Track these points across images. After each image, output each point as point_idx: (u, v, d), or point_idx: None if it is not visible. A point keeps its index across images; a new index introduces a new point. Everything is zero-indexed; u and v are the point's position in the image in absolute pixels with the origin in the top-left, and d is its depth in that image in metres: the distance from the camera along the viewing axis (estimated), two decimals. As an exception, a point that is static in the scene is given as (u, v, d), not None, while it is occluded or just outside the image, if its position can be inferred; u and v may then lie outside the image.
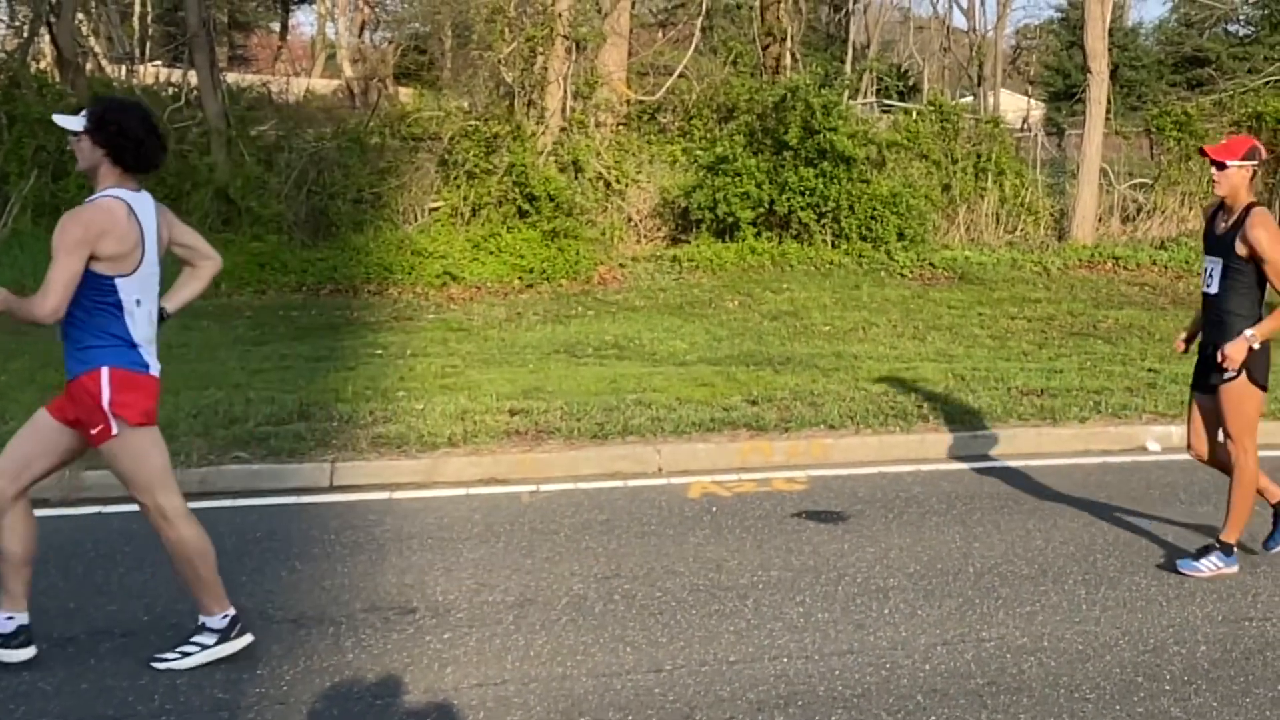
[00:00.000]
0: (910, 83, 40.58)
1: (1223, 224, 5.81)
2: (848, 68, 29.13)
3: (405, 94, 30.22)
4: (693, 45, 19.21)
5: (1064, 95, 41.39)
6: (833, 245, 16.20)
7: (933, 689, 4.65)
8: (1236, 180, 5.72)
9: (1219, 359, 5.74)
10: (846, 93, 20.07)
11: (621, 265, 15.51)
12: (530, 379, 9.62)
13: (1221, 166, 5.72)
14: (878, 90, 30.44)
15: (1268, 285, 5.72)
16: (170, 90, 16.41)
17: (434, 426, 7.94)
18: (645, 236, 16.75)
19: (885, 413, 8.67)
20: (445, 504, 6.95)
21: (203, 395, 8.65)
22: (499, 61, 16.15)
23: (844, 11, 35.94)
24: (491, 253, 14.76)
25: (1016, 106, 38.85)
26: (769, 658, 4.91)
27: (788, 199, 15.88)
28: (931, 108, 18.52)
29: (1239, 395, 5.79)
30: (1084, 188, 17.57)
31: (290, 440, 7.58)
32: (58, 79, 16.06)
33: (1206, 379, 5.97)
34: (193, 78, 15.95)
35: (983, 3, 55.09)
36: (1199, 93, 28.04)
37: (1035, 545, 6.36)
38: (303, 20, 69.74)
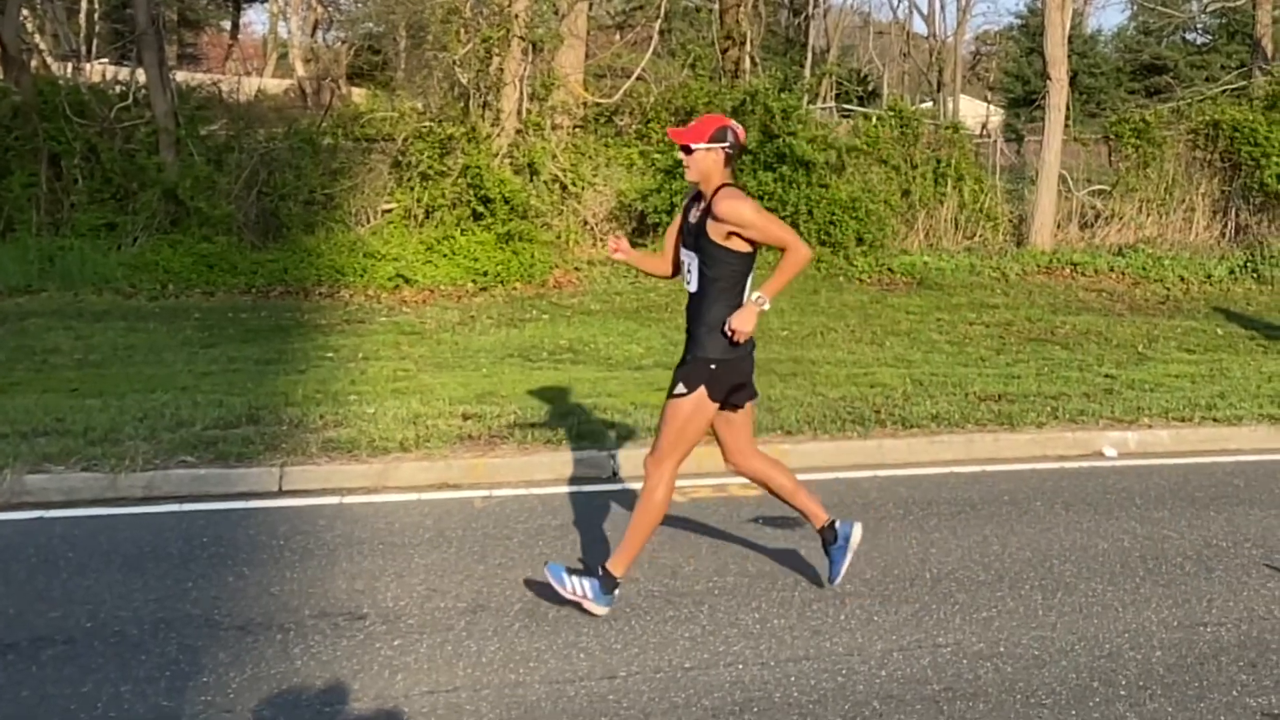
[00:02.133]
0: (870, 88, 40.75)
1: (695, 212, 5.25)
2: (807, 72, 29.15)
3: (359, 94, 30.12)
4: (651, 48, 19.13)
5: (1023, 101, 41.81)
6: (790, 250, 16.17)
7: (889, 695, 4.61)
8: (707, 164, 5.14)
9: (729, 333, 5.22)
10: (806, 97, 20.05)
11: (577, 269, 15.45)
12: (484, 383, 9.53)
13: (689, 150, 5.15)
14: (837, 95, 30.47)
15: (750, 277, 5.25)
16: (118, 89, 16.11)
17: (385, 431, 7.84)
18: (601, 240, 16.68)
19: (842, 418, 8.63)
20: (396, 509, 6.85)
21: (149, 398, 8.52)
22: (454, 63, 16.02)
23: (804, 16, 36.01)
24: (445, 255, 14.65)
25: (976, 112, 39.14)
26: (724, 664, 4.85)
27: (745, 203, 15.83)
28: (891, 113, 18.56)
29: (690, 410, 5.30)
30: (1043, 194, 17.67)
31: (238, 444, 7.45)
32: (1, 76, 15.79)
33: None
34: (141, 76, 15.70)
35: (943, 8, 55.32)
36: (1157, 100, 28.38)
37: (992, 551, 6.34)
38: (254, 19, 69.41)
